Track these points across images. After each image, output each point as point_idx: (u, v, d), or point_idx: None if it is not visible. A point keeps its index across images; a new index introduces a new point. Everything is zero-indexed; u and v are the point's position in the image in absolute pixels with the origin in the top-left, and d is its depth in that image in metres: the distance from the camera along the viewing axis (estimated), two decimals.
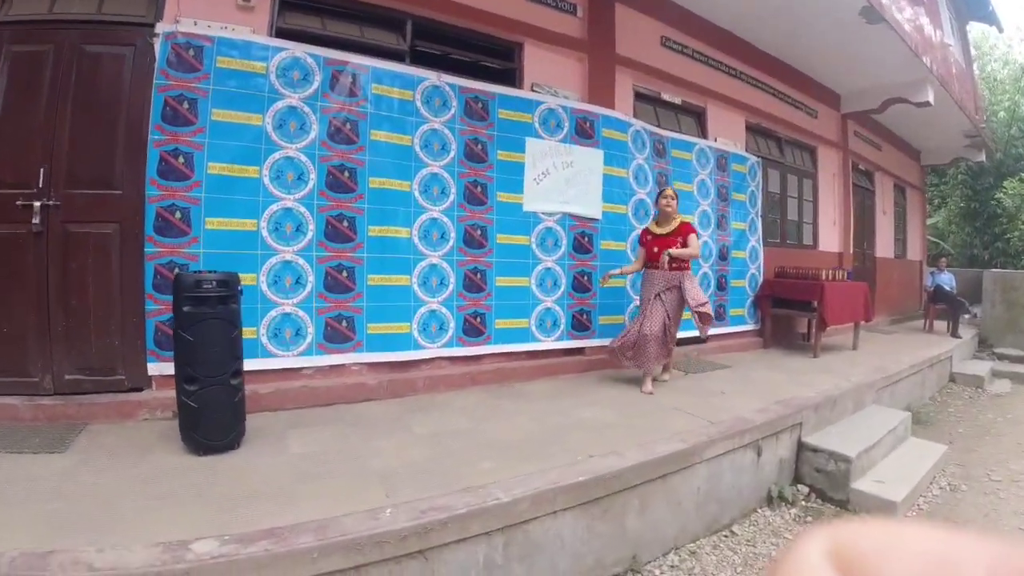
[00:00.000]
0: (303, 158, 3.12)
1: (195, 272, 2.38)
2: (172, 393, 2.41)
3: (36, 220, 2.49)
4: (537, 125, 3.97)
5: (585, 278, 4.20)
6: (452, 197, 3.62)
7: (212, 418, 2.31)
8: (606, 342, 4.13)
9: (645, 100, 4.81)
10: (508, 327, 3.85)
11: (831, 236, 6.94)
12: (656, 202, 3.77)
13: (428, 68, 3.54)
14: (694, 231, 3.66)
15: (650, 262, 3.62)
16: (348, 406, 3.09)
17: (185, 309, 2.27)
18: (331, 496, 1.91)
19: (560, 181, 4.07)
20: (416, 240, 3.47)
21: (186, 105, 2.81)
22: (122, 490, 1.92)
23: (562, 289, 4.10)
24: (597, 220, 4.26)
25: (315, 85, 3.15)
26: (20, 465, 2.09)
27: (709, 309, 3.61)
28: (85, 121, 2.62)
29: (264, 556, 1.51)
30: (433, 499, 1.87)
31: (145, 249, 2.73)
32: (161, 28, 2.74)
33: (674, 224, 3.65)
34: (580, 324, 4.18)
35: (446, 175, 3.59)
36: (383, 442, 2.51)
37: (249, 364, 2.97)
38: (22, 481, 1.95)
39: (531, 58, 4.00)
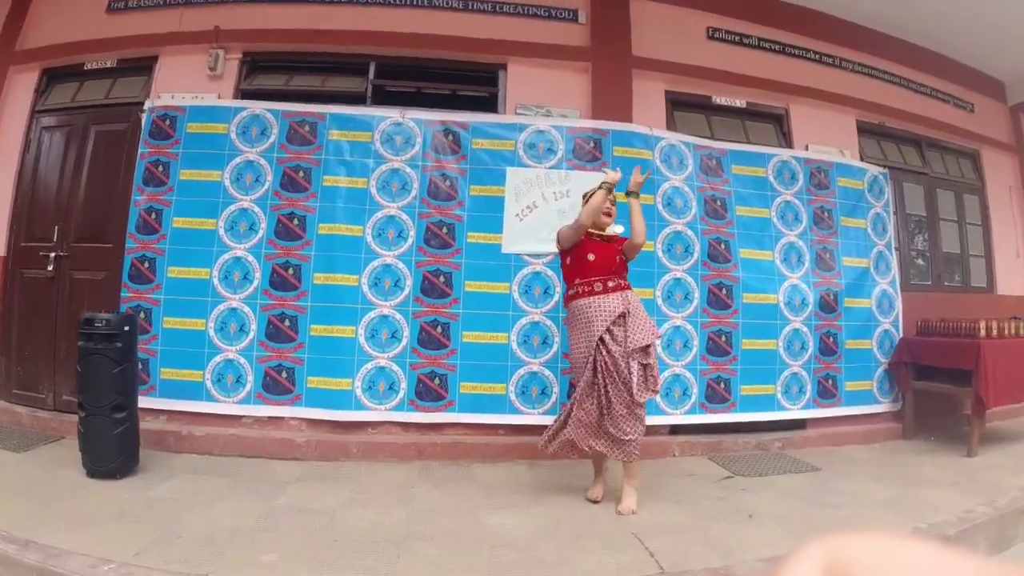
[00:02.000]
0: (256, 208, 3.20)
1: (91, 313, 2.54)
2: None
3: (51, 268, 3.08)
4: (521, 152, 3.38)
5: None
6: (411, 240, 3.27)
7: (95, 446, 2.43)
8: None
9: (688, 107, 3.76)
10: (477, 392, 3.22)
11: (1016, 273, 4.43)
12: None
13: (393, 106, 3.36)
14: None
15: (581, 282, 2.39)
16: (267, 461, 2.91)
17: (79, 344, 2.46)
18: (101, 537, 1.89)
19: (551, 215, 3.34)
20: (365, 288, 3.20)
21: (161, 168, 3.17)
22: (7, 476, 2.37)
23: (554, 349, 3.27)
24: None
25: (272, 138, 3.25)
26: None
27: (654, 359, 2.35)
28: (91, 187, 3.19)
29: None
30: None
31: (121, 294, 3.10)
32: (147, 104, 3.20)
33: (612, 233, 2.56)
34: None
35: (404, 216, 3.28)
36: (223, 503, 2.27)
37: (193, 406, 3.11)
38: None
39: (516, 79, 3.49)
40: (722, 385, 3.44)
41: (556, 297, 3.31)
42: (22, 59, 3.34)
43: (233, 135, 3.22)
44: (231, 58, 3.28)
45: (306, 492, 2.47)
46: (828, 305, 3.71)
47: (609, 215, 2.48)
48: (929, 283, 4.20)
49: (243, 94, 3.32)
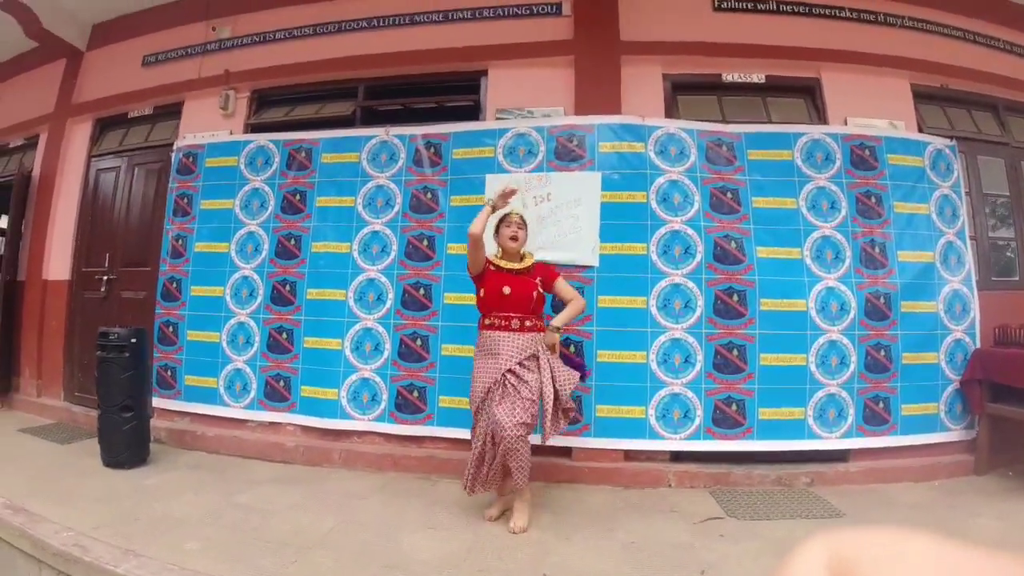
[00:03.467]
0: (260, 231, 3.50)
1: (106, 327, 2.96)
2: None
3: (103, 289, 3.67)
4: (501, 157, 3.28)
5: (571, 348, 3.07)
6: (393, 254, 3.33)
7: (108, 440, 2.87)
8: (600, 443, 2.90)
9: (693, 90, 3.35)
10: (454, 406, 3.16)
11: None
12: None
13: (380, 125, 3.47)
14: (559, 275, 2.46)
15: (498, 315, 2.31)
16: (259, 462, 3.15)
17: (97, 354, 2.89)
18: (79, 511, 2.26)
19: (531, 220, 3.14)
20: (351, 302, 3.33)
21: (186, 200, 3.62)
22: (40, 459, 2.95)
23: None
24: (592, 267, 3.10)
25: (274, 166, 3.53)
26: (38, 443, 3.26)
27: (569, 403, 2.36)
28: (133, 219, 3.75)
29: None
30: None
31: (155, 311, 3.58)
32: (176, 144, 3.68)
33: (526, 262, 2.42)
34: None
35: (387, 231, 3.35)
36: (192, 496, 2.53)
37: (208, 410, 3.48)
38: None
39: (496, 83, 3.39)
40: (734, 407, 2.98)
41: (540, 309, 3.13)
42: (77, 111, 4.08)
43: (242, 166, 3.57)
44: (241, 96, 3.65)
45: (267, 493, 2.63)
46: (877, 311, 3.05)
47: (515, 239, 2.38)
48: (1016, 279, 3.25)
49: (251, 128, 3.67)
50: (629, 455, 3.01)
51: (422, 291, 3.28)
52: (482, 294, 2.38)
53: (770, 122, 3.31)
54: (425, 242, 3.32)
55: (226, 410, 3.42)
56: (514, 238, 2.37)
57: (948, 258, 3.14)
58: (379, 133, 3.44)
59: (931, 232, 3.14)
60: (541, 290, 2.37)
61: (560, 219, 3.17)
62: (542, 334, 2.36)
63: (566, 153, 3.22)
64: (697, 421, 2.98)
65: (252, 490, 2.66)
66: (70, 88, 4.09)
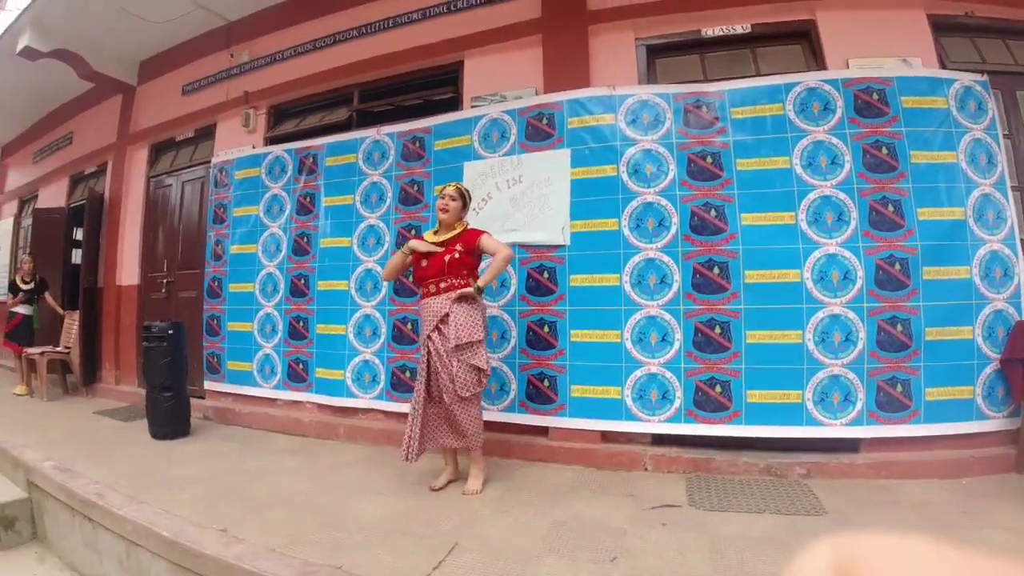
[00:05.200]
0: (280, 232, 3.95)
1: (149, 321, 3.56)
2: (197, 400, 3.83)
3: (163, 291, 4.37)
4: (477, 144, 3.37)
5: (545, 329, 3.10)
6: (386, 246, 3.58)
7: (153, 416, 3.48)
8: (575, 423, 2.93)
9: (672, 51, 3.15)
10: None
11: None
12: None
13: (373, 126, 3.72)
14: (483, 233, 2.49)
15: (421, 285, 2.52)
16: (282, 435, 3.61)
17: (143, 344, 3.50)
18: (111, 470, 2.70)
19: (505, 203, 3.25)
20: (353, 291, 3.64)
21: (222, 209, 4.18)
22: (102, 433, 3.58)
23: (511, 343, 3.18)
24: (563, 246, 3.09)
25: (289, 173, 3.95)
26: (107, 421, 3.89)
27: (481, 360, 2.35)
28: (184, 228, 4.41)
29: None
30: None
31: (203, 307, 4.21)
32: (213, 161, 4.25)
33: (455, 231, 2.49)
34: (534, 392, 3.09)
35: (381, 225, 3.61)
36: (209, 461, 3.01)
37: (246, 390, 4.03)
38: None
39: (472, 72, 3.47)
40: (718, 388, 2.81)
41: (511, 291, 3.20)
42: (135, 139, 4.86)
43: (263, 175, 4.04)
44: (260, 113, 4.12)
45: (271, 461, 3.02)
46: (892, 279, 2.66)
47: (444, 211, 2.51)
48: None
49: (269, 141, 4.13)
50: (608, 436, 2.97)
51: (410, 278, 3.49)
52: (413, 269, 2.60)
53: (759, 75, 3.00)
54: (413, 232, 3.51)
55: (259, 390, 3.94)
56: (443, 209, 2.50)
57: (984, 213, 2.65)
58: (372, 133, 3.70)
59: (962, 184, 2.66)
60: (457, 255, 2.43)
61: (531, 200, 3.18)
62: (457, 292, 2.43)
63: (536, 133, 3.21)
64: (677, 403, 2.85)
65: (261, 458, 3.08)
66: (128, 119, 4.91)
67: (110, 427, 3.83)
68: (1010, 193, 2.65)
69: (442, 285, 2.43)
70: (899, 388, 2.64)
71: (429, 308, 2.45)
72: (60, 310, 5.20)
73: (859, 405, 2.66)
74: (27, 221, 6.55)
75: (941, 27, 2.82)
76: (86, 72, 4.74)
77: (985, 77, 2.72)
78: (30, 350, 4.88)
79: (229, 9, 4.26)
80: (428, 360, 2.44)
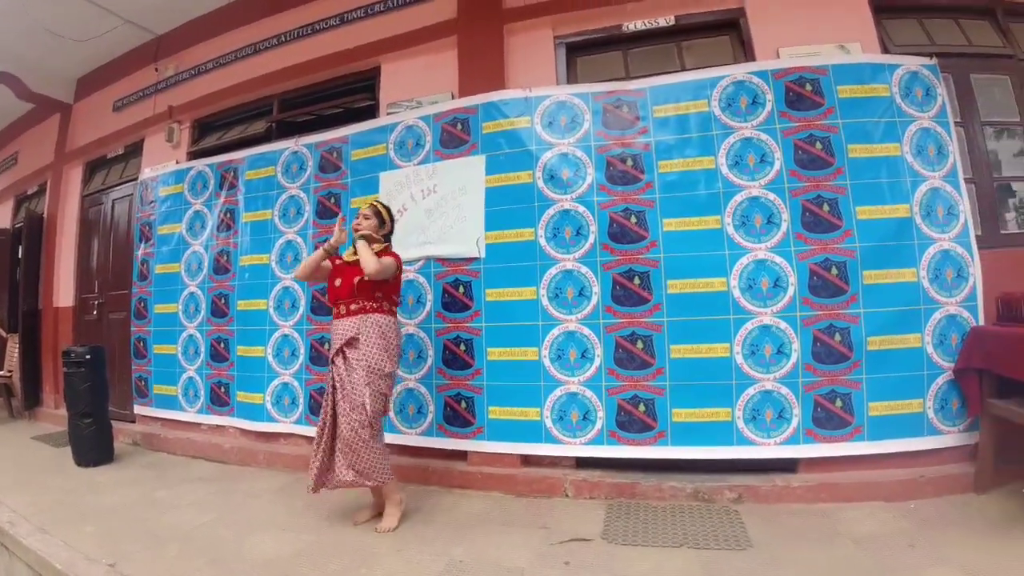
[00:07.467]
0: (201, 250, 3.77)
1: (68, 346, 3.39)
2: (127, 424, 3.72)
3: (95, 312, 4.21)
4: (392, 153, 3.17)
5: (462, 347, 2.87)
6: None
7: (75, 443, 3.33)
8: (493, 447, 2.70)
9: (593, 49, 2.95)
10: None
11: None
12: None
13: (290, 137, 3.55)
14: (392, 255, 2.36)
15: (333, 306, 2.38)
16: (203, 461, 3.44)
17: (63, 370, 3.34)
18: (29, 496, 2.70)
19: (420, 215, 3.04)
20: (271, 311, 3.44)
21: (148, 228, 4.01)
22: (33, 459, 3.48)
23: (428, 363, 2.96)
24: (478, 259, 2.87)
25: (211, 188, 3.78)
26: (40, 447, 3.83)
27: (379, 395, 2.21)
28: (114, 247, 4.25)
29: None
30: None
31: (130, 328, 4.03)
32: (140, 177, 4.10)
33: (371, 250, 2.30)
34: (451, 414, 2.86)
35: (299, 240, 3.42)
36: (125, 490, 2.88)
37: (171, 415, 3.83)
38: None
39: (388, 77, 3.28)
40: (641, 407, 2.56)
41: (427, 307, 2.98)
42: (71, 158, 4.73)
43: (186, 191, 3.87)
44: (183, 127, 3.97)
45: (183, 490, 2.87)
46: (828, 285, 2.41)
47: (356, 229, 2.37)
48: None
49: (193, 155, 3.97)
50: (529, 460, 2.73)
51: (326, 296, 3.28)
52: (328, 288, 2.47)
53: (684, 70, 2.78)
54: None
55: (183, 414, 3.74)
56: (356, 228, 2.38)
57: (933, 209, 2.38)
58: (290, 144, 3.52)
59: (907, 178, 2.40)
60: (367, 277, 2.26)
61: (446, 211, 2.97)
62: (369, 315, 2.27)
63: (451, 140, 3.01)
64: (599, 424, 2.60)
65: (175, 487, 2.90)
66: (64, 138, 4.79)
67: (42, 453, 3.69)
68: (963, 186, 2.38)
69: (352, 307, 2.28)
70: (839, 403, 2.37)
71: (337, 329, 2.30)
72: (3, 332, 5.07)
73: (794, 422, 2.40)
74: None
75: (883, 8, 2.56)
76: (23, 93, 4.64)
77: (934, 61, 2.45)
78: None
79: (156, 23, 4.13)
80: (333, 384, 2.26)
